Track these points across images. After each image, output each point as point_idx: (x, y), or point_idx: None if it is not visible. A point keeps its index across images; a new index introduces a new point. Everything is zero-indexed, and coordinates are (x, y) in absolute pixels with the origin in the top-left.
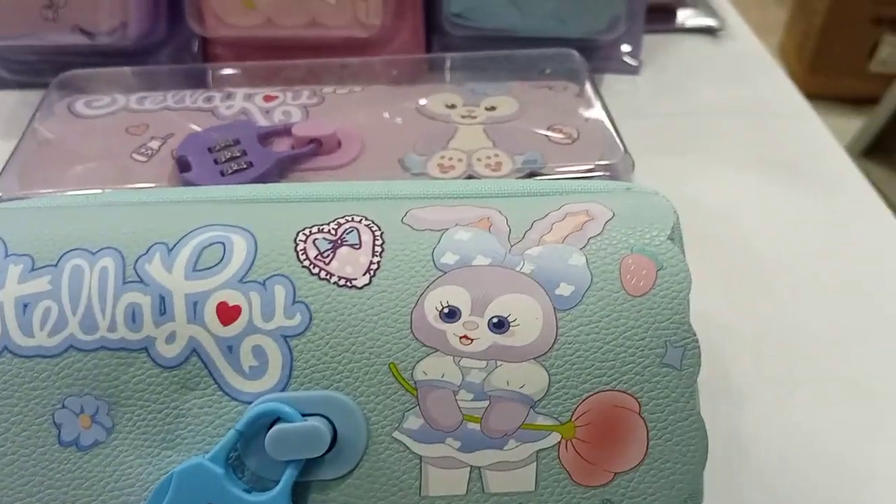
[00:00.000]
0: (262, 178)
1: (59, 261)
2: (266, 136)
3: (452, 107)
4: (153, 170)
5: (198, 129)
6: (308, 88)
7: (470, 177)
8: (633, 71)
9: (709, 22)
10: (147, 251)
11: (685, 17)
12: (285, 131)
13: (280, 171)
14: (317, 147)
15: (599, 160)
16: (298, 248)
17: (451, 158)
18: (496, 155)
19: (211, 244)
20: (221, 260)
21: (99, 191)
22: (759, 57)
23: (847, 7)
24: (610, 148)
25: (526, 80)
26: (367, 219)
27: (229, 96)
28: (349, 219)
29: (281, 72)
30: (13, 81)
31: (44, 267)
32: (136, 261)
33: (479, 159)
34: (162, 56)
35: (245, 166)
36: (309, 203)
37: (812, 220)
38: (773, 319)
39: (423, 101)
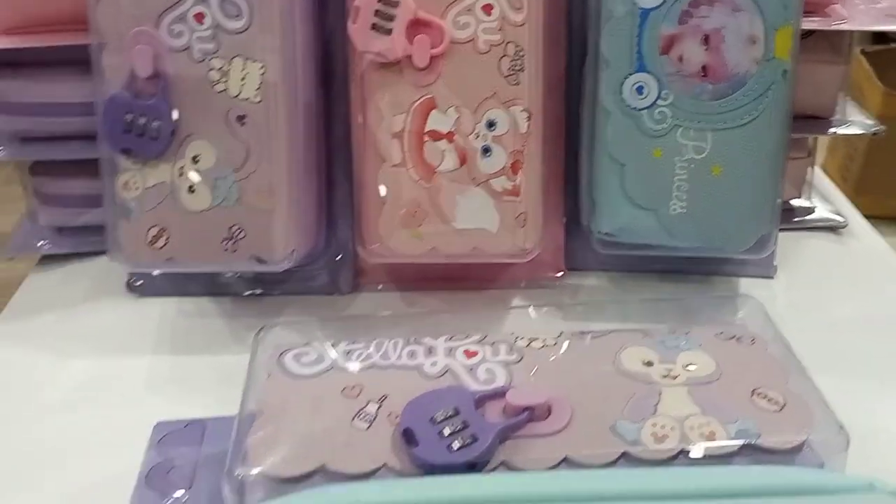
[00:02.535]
0: (487, 453)
1: None
2: (480, 402)
3: (650, 364)
4: (376, 439)
5: (409, 389)
6: (504, 342)
7: (684, 449)
8: (768, 275)
9: (834, 218)
10: None
11: (805, 212)
12: (498, 396)
13: (499, 441)
14: (529, 414)
15: (812, 433)
16: None
17: (663, 426)
18: (707, 423)
19: None
20: None
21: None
22: (883, 253)
23: (891, 130)
24: (821, 419)
25: (704, 325)
26: None
27: (431, 351)
28: None
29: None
30: (170, 287)
31: None
32: None
33: (691, 428)
34: (316, 268)
35: (470, 440)
36: None
37: None
38: None
39: (618, 358)
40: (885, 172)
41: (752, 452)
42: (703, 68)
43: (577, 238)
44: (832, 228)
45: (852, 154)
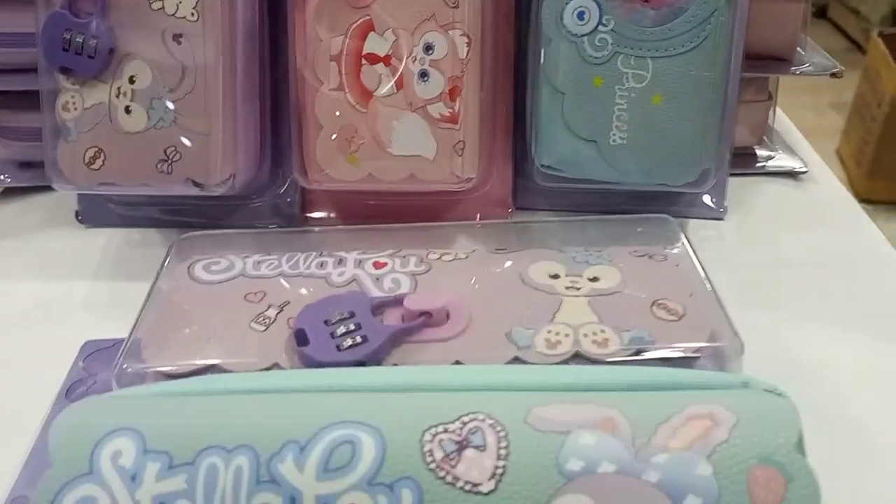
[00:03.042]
0: (377, 353)
1: (195, 459)
2: (378, 307)
3: (556, 277)
4: (271, 340)
5: (312, 297)
6: (415, 255)
7: (577, 353)
8: (718, 216)
9: (793, 165)
10: (280, 450)
11: (766, 158)
12: (397, 302)
13: (392, 343)
14: (427, 319)
15: (708, 341)
16: (425, 449)
17: (557, 333)
18: (602, 331)
19: (341, 444)
20: (351, 460)
21: (226, 373)
22: (844, 202)
23: None
24: (718, 328)
25: (623, 246)
26: (490, 417)
27: (341, 262)
28: (473, 417)
29: (383, 232)
30: (119, 216)
31: (181, 465)
32: (270, 460)
33: (585, 335)
34: (261, 199)
35: (360, 341)
36: (431, 394)
37: None
38: (886, 497)
39: (526, 270)
40: None
41: (647, 361)
42: None
43: (529, 178)
44: (791, 175)
45: (867, 138)
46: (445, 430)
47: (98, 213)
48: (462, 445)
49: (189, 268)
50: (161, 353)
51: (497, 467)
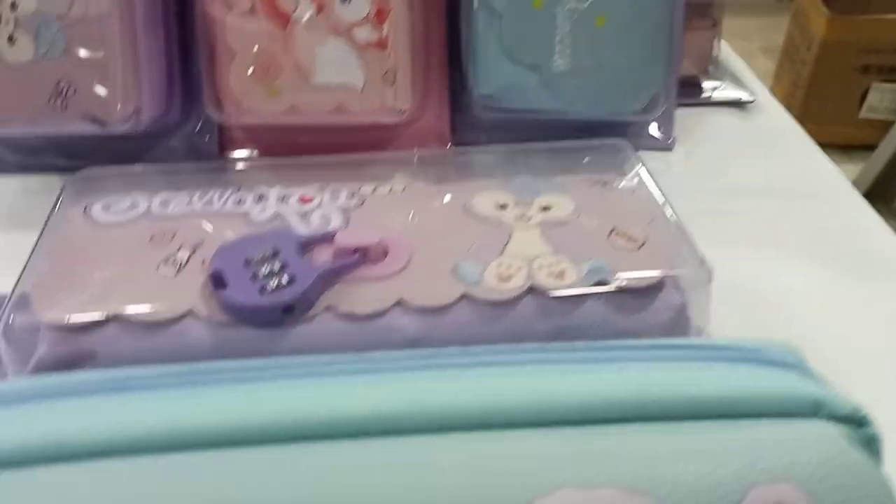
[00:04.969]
0: (307, 295)
1: None
2: (306, 245)
3: (503, 207)
4: (183, 285)
5: (229, 236)
6: (346, 188)
7: (532, 287)
8: (666, 147)
9: (739, 95)
10: None
11: (712, 89)
12: (327, 239)
13: (324, 284)
14: (361, 257)
15: (671, 268)
16: None
17: (509, 266)
18: (558, 262)
19: None
20: None
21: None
22: (792, 131)
23: (835, 56)
24: (683, 255)
25: (574, 173)
26: None
27: (261, 198)
28: None
29: (310, 168)
30: (14, 164)
31: None
32: None
33: (540, 267)
34: (175, 139)
35: (287, 282)
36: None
37: (871, 308)
38: None
39: (470, 201)
40: (828, 99)
41: (608, 292)
42: None
43: (467, 111)
44: (738, 104)
45: (797, 82)
46: None
47: None
48: None
49: (85, 209)
50: (54, 305)
51: None
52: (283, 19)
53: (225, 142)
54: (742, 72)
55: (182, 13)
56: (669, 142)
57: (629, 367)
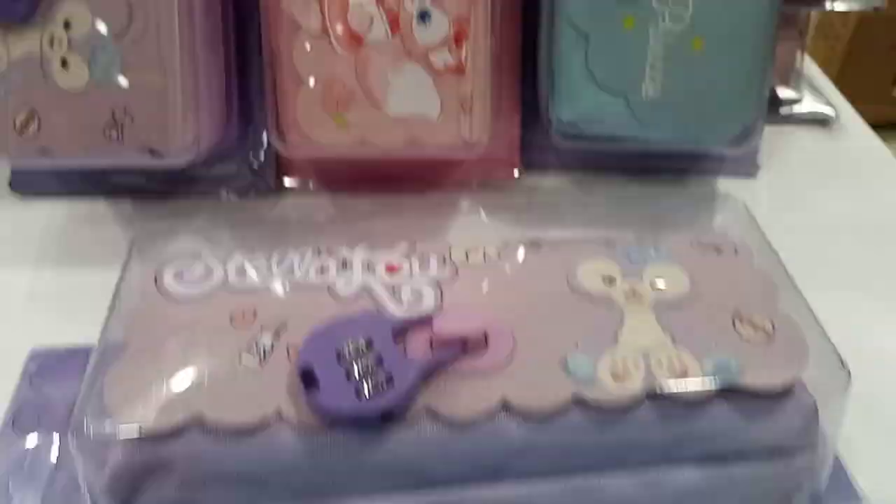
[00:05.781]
0: (406, 398)
1: None
2: (401, 332)
3: (611, 281)
4: (269, 380)
5: (314, 315)
6: (435, 254)
7: (650, 389)
8: (750, 175)
9: (822, 109)
10: None
11: (790, 102)
12: (423, 323)
13: (422, 381)
14: (462, 347)
15: (804, 367)
16: None
17: (625, 361)
18: (678, 356)
19: None
20: None
21: None
22: (877, 151)
23: (870, 33)
24: (816, 351)
25: (675, 227)
26: None
27: (345, 265)
28: None
29: (385, 214)
30: (56, 183)
31: None
32: None
33: (659, 362)
34: (230, 163)
35: (384, 385)
36: None
37: None
38: None
39: (574, 273)
40: (862, 77)
41: (733, 394)
42: None
43: (536, 132)
44: (820, 122)
45: (830, 57)
46: None
47: (33, 178)
48: None
49: (157, 278)
50: (129, 403)
51: None
52: (356, 41)
53: (282, 168)
54: (821, 83)
55: (240, 25)
56: (753, 168)
57: None
